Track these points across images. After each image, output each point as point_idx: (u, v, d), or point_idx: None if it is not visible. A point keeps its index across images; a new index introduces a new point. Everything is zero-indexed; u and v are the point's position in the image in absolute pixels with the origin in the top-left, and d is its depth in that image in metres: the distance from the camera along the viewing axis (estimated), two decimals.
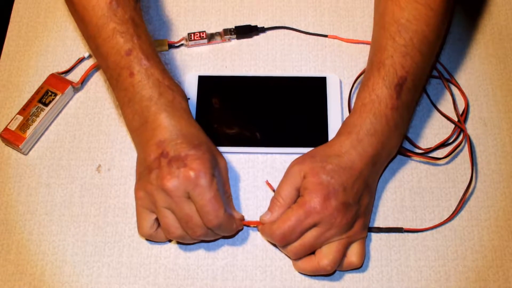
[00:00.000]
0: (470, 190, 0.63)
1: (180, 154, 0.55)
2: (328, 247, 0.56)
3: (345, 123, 0.60)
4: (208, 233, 0.57)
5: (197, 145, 0.57)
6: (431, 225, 0.62)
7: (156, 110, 0.58)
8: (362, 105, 0.59)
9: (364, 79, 0.61)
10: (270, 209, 0.59)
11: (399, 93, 0.58)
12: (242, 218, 0.61)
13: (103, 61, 0.61)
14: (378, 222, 0.62)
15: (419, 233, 0.62)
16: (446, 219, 0.62)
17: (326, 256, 0.56)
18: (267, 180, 0.64)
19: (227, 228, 0.58)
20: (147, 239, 0.62)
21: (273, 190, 0.63)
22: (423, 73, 0.61)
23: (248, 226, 0.62)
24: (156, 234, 0.59)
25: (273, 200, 0.59)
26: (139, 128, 0.59)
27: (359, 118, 0.58)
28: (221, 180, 0.59)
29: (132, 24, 0.60)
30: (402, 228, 0.62)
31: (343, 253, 0.57)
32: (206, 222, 0.55)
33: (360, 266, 0.59)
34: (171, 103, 0.58)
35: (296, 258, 0.58)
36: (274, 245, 0.61)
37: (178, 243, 0.62)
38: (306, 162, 0.58)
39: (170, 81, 0.60)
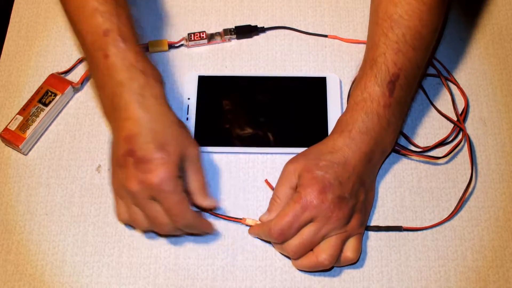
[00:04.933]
0: (470, 189, 0.63)
1: (146, 157, 0.55)
2: (326, 242, 0.57)
3: (338, 122, 0.60)
4: (176, 230, 0.59)
5: (164, 145, 0.56)
6: (431, 224, 0.62)
7: (127, 98, 0.57)
8: (354, 103, 0.59)
9: (357, 76, 0.61)
10: (268, 209, 0.60)
11: (391, 91, 0.58)
12: (214, 205, 0.62)
13: (82, 40, 0.60)
14: (378, 222, 0.62)
15: (419, 233, 0.62)
16: (445, 218, 0.62)
17: (324, 251, 0.56)
18: (266, 179, 0.64)
19: (195, 228, 0.59)
20: (125, 224, 0.63)
21: (272, 189, 0.63)
22: (417, 69, 0.61)
23: (246, 224, 0.62)
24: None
25: (271, 201, 0.60)
26: (111, 114, 0.59)
27: (351, 116, 0.59)
28: (194, 168, 0.59)
29: (114, 4, 0.59)
30: (401, 226, 0.62)
31: (341, 248, 0.57)
32: (174, 222, 0.57)
33: (356, 261, 0.59)
34: (143, 89, 0.57)
35: (297, 257, 0.58)
36: (269, 242, 0.61)
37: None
38: (300, 161, 0.58)
39: (144, 64, 0.59)
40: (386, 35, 0.59)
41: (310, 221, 0.56)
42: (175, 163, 0.56)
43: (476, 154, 0.65)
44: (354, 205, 0.57)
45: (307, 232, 0.56)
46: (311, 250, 0.58)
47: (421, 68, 0.62)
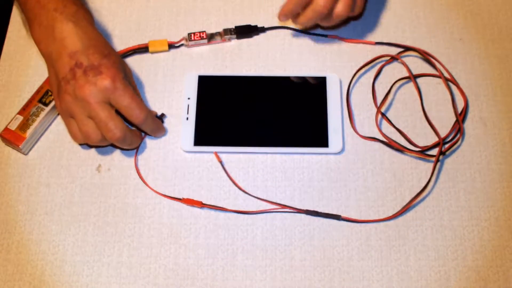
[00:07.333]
0: (424, 194, 0.63)
1: (94, 63, 0.59)
2: None
3: None
4: (127, 135, 0.61)
5: (107, 54, 0.61)
6: (431, 224, 0.62)
7: (62, 19, 0.61)
8: None
9: None
10: None
11: None
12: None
13: None
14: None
15: (419, 233, 0.62)
16: (391, 216, 0.62)
17: None
18: (215, 152, 0.65)
19: (151, 122, 0.63)
20: (80, 144, 0.66)
21: (220, 162, 0.65)
22: None
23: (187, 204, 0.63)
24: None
25: None
26: (46, 40, 0.61)
27: None
28: (132, 84, 0.65)
29: None
30: (339, 216, 0.62)
31: None
32: (135, 119, 0.61)
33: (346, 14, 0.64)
34: (77, 14, 0.62)
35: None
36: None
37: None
38: None
39: None
40: None
41: None
42: (120, 68, 0.61)
43: (476, 154, 0.65)
44: None
45: None
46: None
47: None
